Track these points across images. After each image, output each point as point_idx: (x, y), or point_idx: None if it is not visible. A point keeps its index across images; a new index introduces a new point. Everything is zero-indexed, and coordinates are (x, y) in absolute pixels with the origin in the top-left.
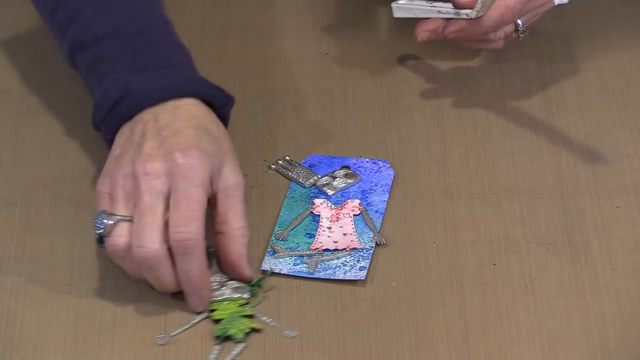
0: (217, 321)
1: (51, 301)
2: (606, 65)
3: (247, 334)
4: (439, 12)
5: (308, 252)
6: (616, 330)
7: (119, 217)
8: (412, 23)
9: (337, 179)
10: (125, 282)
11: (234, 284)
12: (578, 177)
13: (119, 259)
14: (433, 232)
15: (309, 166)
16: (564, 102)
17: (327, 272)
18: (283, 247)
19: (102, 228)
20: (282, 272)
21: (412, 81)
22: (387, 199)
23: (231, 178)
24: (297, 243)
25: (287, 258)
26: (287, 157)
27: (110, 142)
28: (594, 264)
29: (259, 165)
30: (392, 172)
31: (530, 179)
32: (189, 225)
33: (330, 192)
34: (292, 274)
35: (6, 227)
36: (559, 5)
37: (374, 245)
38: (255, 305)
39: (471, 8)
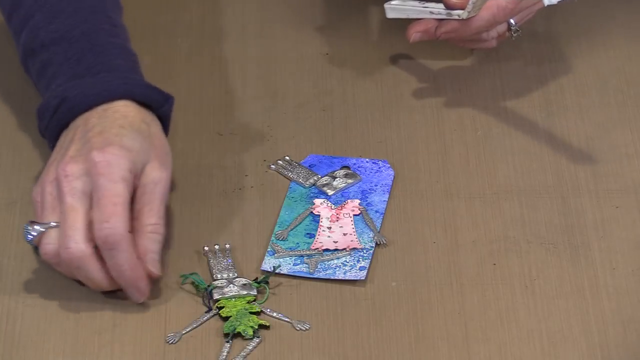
0: (226, 318)
1: (51, 301)
2: (606, 65)
3: (256, 330)
4: (431, 12)
5: (308, 252)
6: (616, 330)
7: (44, 224)
8: (410, 23)
9: (337, 179)
10: None
11: (242, 280)
12: (578, 177)
13: (54, 265)
14: (433, 232)
15: (309, 166)
16: (564, 102)
17: (327, 272)
18: (283, 247)
19: (31, 239)
20: (282, 271)
21: (412, 81)
22: (387, 199)
23: (152, 175)
24: (297, 243)
25: (287, 258)
26: (287, 157)
27: (53, 149)
28: (594, 264)
29: (259, 165)
30: (392, 172)
31: (530, 179)
32: (110, 221)
33: (330, 192)
34: (292, 274)
35: (6, 227)
36: (548, 5)
37: (374, 245)
38: (263, 302)
39: (463, 9)
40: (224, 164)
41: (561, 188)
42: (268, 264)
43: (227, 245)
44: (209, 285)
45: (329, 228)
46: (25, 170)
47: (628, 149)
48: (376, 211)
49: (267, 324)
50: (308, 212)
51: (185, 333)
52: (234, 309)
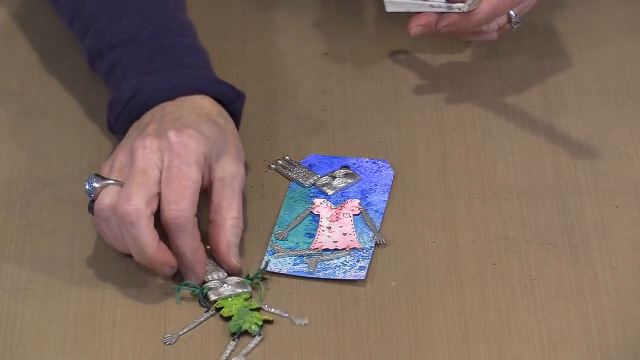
0: (227, 318)
1: (51, 301)
2: (606, 65)
3: (261, 327)
4: (432, 6)
5: (308, 252)
6: (616, 330)
7: (110, 180)
8: (410, 18)
9: (337, 179)
10: (125, 282)
11: (235, 279)
12: (578, 177)
13: (102, 221)
14: (433, 232)
15: (309, 166)
16: (564, 102)
17: (327, 272)
18: (283, 247)
19: (91, 190)
20: (282, 272)
21: (412, 81)
22: (387, 199)
23: (229, 169)
24: (297, 243)
25: (287, 258)
26: (287, 157)
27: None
28: (594, 264)
29: (259, 165)
30: (392, 172)
31: (530, 179)
32: (180, 204)
33: (330, 192)
34: (292, 274)
35: (6, 227)
36: None
37: (374, 245)
38: (262, 299)
39: (463, 2)
40: None
41: (561, 188)
42: (268, 263)
43: (209, 247)
44: (203, 289)
45: (329, 228)
46: (25, 170)
47: (628, 149)
48: (376, 211)
49: (271, 319)
50: (308, 212)
51: (183, 334)
52: (235, 308)
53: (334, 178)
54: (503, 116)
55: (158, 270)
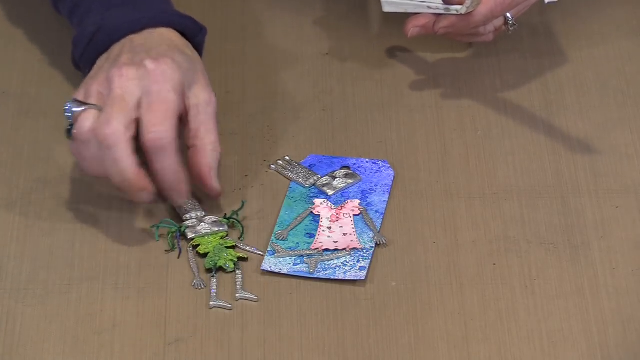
0: (204, 255)
1: (51, 301)
2: (606, 65)
3: (236, 263)
4: (429, 7)
5: (308, 252)
6: (616, 330)
7: (88, 104)
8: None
9: (337, 179)
10: (125, 281)
11: (212, 218)
12: (578, 177)
13: (82, 145)
14: (433, 232)
15: (309, 166)
16: (564, 102)
17: (327, 272)
18: (283, 246)
19: (70, 115)
20: (282, 271)
21: (412, 81)
22: (387, 199)
23: (202, 95)
24: (297, 243)
25: (287, 258)
26: (287, 157)
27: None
28: (594, 264)
29: (259, 165)
30: (392, 173)
31: (530, 179)
32: (163, 124)
33: (330, 192)
34: (292, 273)
35: (6, 227)
36: (548, 3)
37: (374, 245)
38: (242, 239)
39: (461, 4)
40: (224, 164)
41: (561, 188)
42: (268, 263)
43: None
44: (180, 227)
45: (329, 228)
46: (25, 170)
47: (628, 149)
48: (376, 211)
49: (246, 257)
50: (308, 212)
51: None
52: (210, 246)
53: (334, 178)
54: (503, 116)
55: (135, 195)
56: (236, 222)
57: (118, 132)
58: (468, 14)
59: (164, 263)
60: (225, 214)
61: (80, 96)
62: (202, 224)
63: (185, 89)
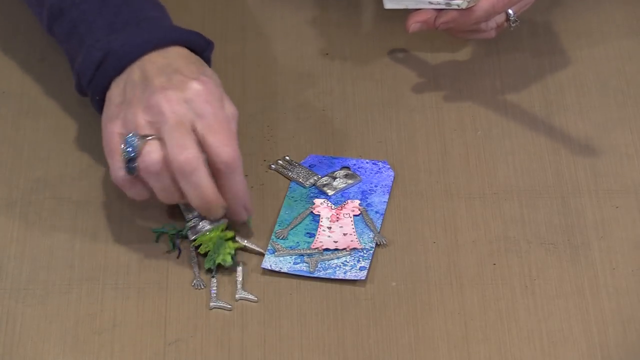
0: (205, 255)
1: (51, 301)
2: (606, 65)
3: (234, 256)
4: (430, 2)
5: (308, 251)
6: (616, 330)
7: (151, 135)
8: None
9: (337, 179)
10: (125, 281)
11: None
12: (578, 177)
13: (152, 176)
14: (433, 232)
15: (309, 166)
16: (564, 102)
17: (327, 271)
18: (283, 245)
19: (133, 148)
20: (282, 270)
21: (412, 81)
22: (387, 200)
23: (230, 109)
24: (297, 242)
25: (288, 257)
26: (287, 157)
27: (99, 102)
28: (594, 264)
29: (259, 165)
30: (392, 173)
31: (530, 179)
32: (231, 144)
33: (330, 193)
34: (292, 272)
35: (6, 227)
36: None
37: (374, 246)
38: (250, 224)
39: None
40: None
41: (561, 188)
42: (268, 262)
43: None
44: (181, 230)
45: (329, 228)
46: (25, 170)
47: (628, 149)
48: (376, 212)
49: (243, 245)
50: (308, 212)
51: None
52: (210, 242)
53: (334, 178)
54: (503, 116)
55: (213, 213)
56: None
57: (195, 157)
58: (469, 8)
59: (164, 263)
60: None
61: (120, 127)
62: (203, 222)
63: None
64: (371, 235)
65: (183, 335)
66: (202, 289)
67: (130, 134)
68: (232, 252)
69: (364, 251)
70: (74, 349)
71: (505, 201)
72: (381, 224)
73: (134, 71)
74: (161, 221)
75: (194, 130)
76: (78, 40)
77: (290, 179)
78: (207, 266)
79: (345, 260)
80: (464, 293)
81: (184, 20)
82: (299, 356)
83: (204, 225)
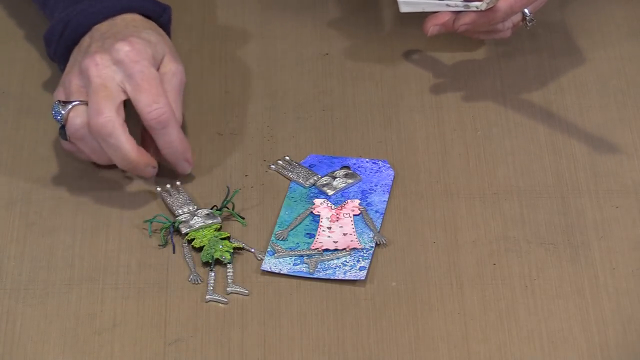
0: (199, 249)
1: (51, 301)
2: (606, 65)
3: (232, 254)
4: (447, 5)
5: (308, 252)
6: (616, 330)
7: (73, 102)
8: (414, 21)
9: (337, 179)
10: (125, 282)
11: (204, 211)
12: (578, 177)
13: (79, 141)
14: (433, 232)
15: (309, 166)
16: (564, 102)
17: (327, 272)
18: (283, 247)
19: (59, 116)
20: (282, 272)
21: (412, 81)
22: (387, 199)
23: (169, 66)
24: (297, 243)
25: (287, 258)
26: (287, 157)
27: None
28: (594, 264)
29: (259, 165)
30: (392, 172)
31: (530, 179)
32: (159, 100)
33: (330, 192)
34: (292, 273)
35: (6, 227)
36: None
37: (374, 245)
38: (245, 224)
39: (481, 0)
40: (224, 164)
41: (561, 188)
42: (268, 264)
43: (178, 183)
44: (174, 222)
45: (329, 228)
46: (25, 170)
47: (628, 149)
48: (376, 211)
49: (241, 246)
50: (308, 212)
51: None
52: (205, 239)
53: (334, 178)
54: (503, 116)
55: (141, 172)
56: (234, 213)
57: (111, 118)
58: (488, 10)
59: (163, 263)
60: (216, 206)
61: (61, 96)
62: (195, 217)
63: (158, 61)
64: (371, 235)
65: (183, 335)
66: (199, 283)
67: (55, 102)
68: (231, 250)
69: (364, 251)
70: (74, 349)
71: (505, 201)
72: (381, 224)
73: (85, 40)
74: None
75: (124, 91)
76: (49, 13)
77: (290, 179)
78: (204, 260)
79: (345, 261)
80: (464, 293)
81: (184, 21)
82: (299, 356)
83: (197, 221)
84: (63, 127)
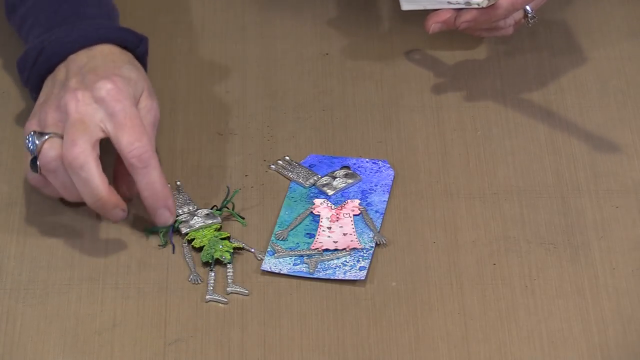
0: (199, 249)
1: (51, 301)
2: (606, 66)
3: (232, 254)
4: (449, 2)
5: (308, 252)
6: (616, 330)
7: (50, 133)
8: (414, 20)
9: (337, 179)
10: (125, 282)
11: (204, 211)
12: (578, 177)
13: (50, 174)
14: (433, 232)
15: (309, 166)
16: (564, 102)
17: (327, 272)
18: (283, 247)
19: (33, 147)
20: (282, 272)
21: (412, 81)
22: (387, 199)
23: (144, 102)
24: (297, 243)
25: (287, 258)
26: (287, 157)
27: (37, 98)
28: (594, 264)
29: (259, 165)
30: (392, 172)
31: (530, 179)
32: (142, 139)
33: (330, 192)
34: (292, 273)
35: (6, 227)
36: None
37: (374, 245)
38: (245, 224)
39: None
40: (224, 164)
41: (561, 188)
42: (267, 264)
43: (178, 183)
44: (173, 224)
45: (329, 228)
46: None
47: (628, 149)
48: (376, 211)
49: (241, 246)
50: (308, 212)
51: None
52: (205, 239)
53: (334, 178)
54: (503, 116)
55: (109, 214)
56: (234, 214)
57: (85, 151)
58: (490, 6)
59: (164, 263)
60: (216, 206)
61: (35, 126)
62: (195, 217)
63: (137, 99)
64: (371, 235)
65: (183, 335)
66: (199, 283)
67: (30, 133)
68: (231, 250)
69: (364, 251)
70: (74, 349)
71: (505, 201)
72: (381, 224)
73: (60, 70)
74: None
75: (104, 130)
76: (25, 36)
77: (290, 179)
78: (204, 260)
79: (345, 261)
80: (464, 293)
81: (184, 21)
82: (299, 356)
83: (196, 221)
84: (35, 159)
